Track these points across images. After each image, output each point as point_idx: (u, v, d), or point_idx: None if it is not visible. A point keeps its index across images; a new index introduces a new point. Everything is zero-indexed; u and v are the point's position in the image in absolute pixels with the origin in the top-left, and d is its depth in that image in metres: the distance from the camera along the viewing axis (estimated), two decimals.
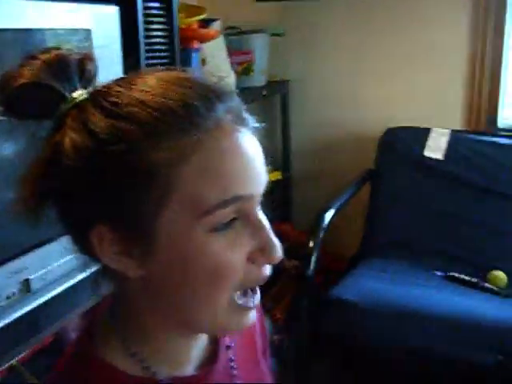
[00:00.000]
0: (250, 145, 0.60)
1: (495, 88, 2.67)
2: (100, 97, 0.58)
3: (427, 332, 1.98)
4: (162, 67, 0.64)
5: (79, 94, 0.60)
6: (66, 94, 0.59)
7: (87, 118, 0.57)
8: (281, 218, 3.02)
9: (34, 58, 0.59)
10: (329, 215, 2.30)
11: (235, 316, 0.62)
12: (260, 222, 0.61)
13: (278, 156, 3.04)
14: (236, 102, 0.61)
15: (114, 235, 0.58)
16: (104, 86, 0.61)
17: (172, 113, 0.56)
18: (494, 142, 2.58)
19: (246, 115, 0.62)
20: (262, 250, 0.60)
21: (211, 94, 0.58)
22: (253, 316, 0.65)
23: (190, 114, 0.56)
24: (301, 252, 2.39)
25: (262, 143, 0.62)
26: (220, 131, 0.57)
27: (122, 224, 0.57)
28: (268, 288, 2.62)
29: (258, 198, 0.61)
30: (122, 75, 0.63)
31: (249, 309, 0.63)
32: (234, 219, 0.58)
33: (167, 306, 0.62)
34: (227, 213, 0.57)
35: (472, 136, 2.62)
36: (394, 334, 2.02)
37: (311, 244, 2.18)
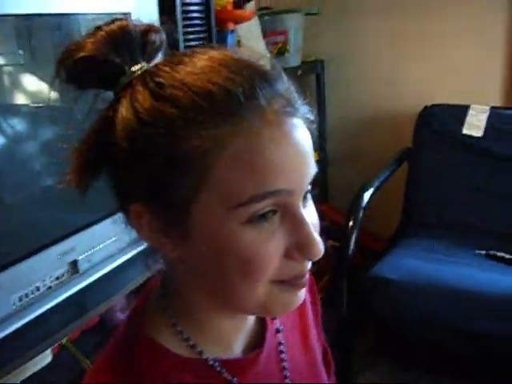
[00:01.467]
0: (296, 136, 0.56)
1: None
2: (148, 75, 0.57)
3: (469, 310, 1.97)
4: (216, 45, 0.63)
5: (138, 68, 0.59)
6: (126, 67, 0.59)
7: (135, 97, 0.56)
8: (317, 197, 3.02)
9: (99, 29, 0.59)
10: (367, 195, 2.28)
11: (278, 299, 0.60)
12: (300, 217, 0.57)
13: (314, 136, 3.01)
14: (286, 88, 0.58)
15: (151, 214, 0.58)
16: (156, 64, 0.59)
17: (212, 99, 0.53)
18: None
19: (298, 103, 0.58)
20: (300, 247, 0.57)
21: (258, 81, 0.55)
22: (300, 296, 0.62)
23: (229, 102, 0.54)
24: (337, 232, 2.38)
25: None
26: (262, 121, 0.54)
27: (158, 205, 0.57)
28: None
29: (302, 192, 0.58)
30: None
31: (292, 291, 0.61)
32: (272, 212, 0.56)
33: (209, 287, 0.62)
34: (263, 206, 0.54)
35: None
36: (435, 312, 2.02)
37: (350, 224, 2.17)
